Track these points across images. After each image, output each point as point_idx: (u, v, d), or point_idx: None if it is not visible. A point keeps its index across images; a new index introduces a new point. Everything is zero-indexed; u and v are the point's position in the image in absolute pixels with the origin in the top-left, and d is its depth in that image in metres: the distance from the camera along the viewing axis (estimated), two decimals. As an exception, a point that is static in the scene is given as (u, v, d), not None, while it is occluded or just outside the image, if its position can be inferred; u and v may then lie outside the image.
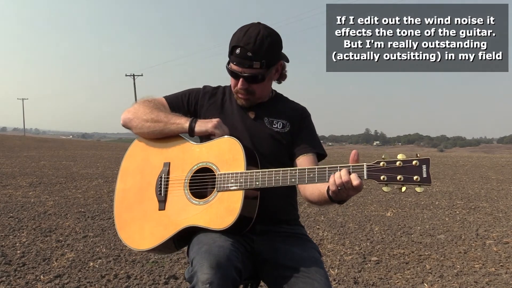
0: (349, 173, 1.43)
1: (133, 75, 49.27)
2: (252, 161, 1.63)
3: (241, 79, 1.72)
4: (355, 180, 1.42)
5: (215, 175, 1.65)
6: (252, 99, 1.79)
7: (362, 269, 3.70)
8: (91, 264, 3.61)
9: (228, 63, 1.75)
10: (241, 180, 1.58)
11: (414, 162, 1.40)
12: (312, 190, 1.66)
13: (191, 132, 1.74)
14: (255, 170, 1.59)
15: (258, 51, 1.68)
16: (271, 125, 1.80)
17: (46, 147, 25.25)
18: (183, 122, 1.74)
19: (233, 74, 1.74)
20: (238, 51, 1.68)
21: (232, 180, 1.60)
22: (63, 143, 33.95)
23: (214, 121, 1.72)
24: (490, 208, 7.02)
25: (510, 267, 3.81)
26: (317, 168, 1.51)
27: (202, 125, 1.72)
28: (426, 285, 3.36)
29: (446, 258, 4.07)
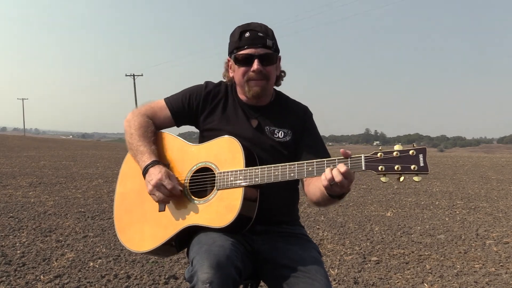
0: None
1: (133, 75, 49.27)
2: (251, 160, 1.63)
3: (256, 60, 1.69)
4: (342, 167, 1.42)
5: (214, 174, 1.65)
6: (265, 86, 1.75)
7: (362, 269, 3.70)
8: (91, 264, 3.60)
9: (234, 53, 1.73)
10: (240, 177, 1.58)
11: (411, 152, 1.41)
12: (314, 191, 1.66)
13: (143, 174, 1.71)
14: (254, 167, 1.59)
15: (267, 33, 1.72)
16: (272, 135, 1.78)
17: (46, 147, 25.25)
18: (141, 164, 1.71)
19: (244, 59, 1.71)
20: (248, 34, 1.70)
21: (231, 178, 1.60)
22: (63, 143, 33.94)
23: (155, 181, 1.61)
24: (490, 208, 7.01)
25: (510, 267, 3.81)
26: (316, 161, 1.52)
27: (148, 179, 1.66)
28: (426, 285, 3.35)
29: (446, 258, 4.07)
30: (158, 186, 1.62)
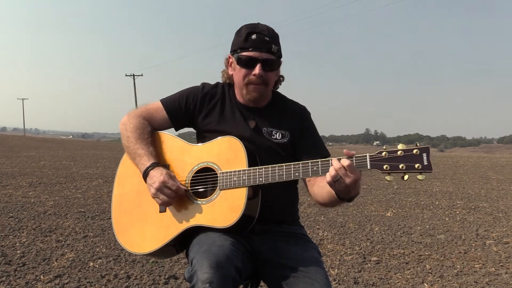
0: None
1: (133, 75, 49.27)
2: (252, 160, 1.63)
3: (258, 65, 1.68)
4: (345, 161, 1.43)
5: (216, 174, 1.64)
6: (263, 92, 1.75)
7: (362, 269, 3.70)
8: (91, 264, 3.60)
9: (238, 53, 1.71)
10: (244, 177, 1.58)
11: (414, 151, 1.43)
12: (321, 193, 1.65)
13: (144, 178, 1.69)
14: (257, 167, 1.59)
15: (274, 37, 1.71)
16: (270, 136, 1.77)
17: (46, 147, 25.23)
18: (141, 167, 1.69)
19: (247, 61, 1.70)
20: (254, 36, 1.68)
21: (235, 178, 1.59)
22: (63, 143, 33.92)
23: (158, 184, 1.60)
24: (490, 208, 7.01)
25: (510, 267, 3.81)
26: (320, 161, 1.51)
27: (149, 182, 1.65)
28: (426, 285, 3.35)
29: (446, 258, 4.07)
30: (162, 188, 1.60)
